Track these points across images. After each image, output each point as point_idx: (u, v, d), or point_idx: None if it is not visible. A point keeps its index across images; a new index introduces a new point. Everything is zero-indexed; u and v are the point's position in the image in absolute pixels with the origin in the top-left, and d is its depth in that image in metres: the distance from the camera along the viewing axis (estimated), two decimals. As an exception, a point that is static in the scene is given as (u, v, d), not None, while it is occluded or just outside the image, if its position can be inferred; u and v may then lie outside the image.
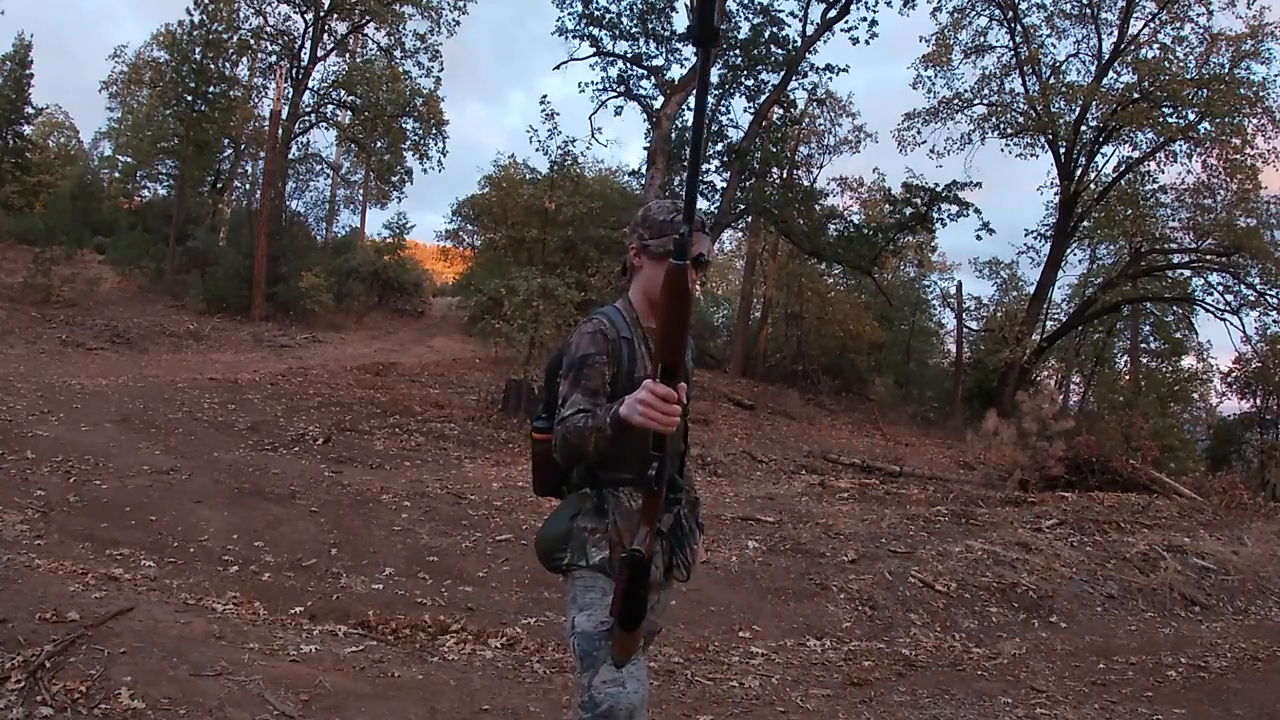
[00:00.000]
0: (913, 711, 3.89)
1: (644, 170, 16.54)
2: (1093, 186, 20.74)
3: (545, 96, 36.70)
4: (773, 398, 19.22)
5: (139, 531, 5.55)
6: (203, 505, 6.17)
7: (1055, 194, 21.17)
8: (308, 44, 20.45)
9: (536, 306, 12.27)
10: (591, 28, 16.52)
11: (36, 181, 23.98)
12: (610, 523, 1.90)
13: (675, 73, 16.74)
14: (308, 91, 21.17)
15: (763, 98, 17.22)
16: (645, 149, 17.50)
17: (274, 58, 21.31)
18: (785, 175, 20.34)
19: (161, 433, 8.38)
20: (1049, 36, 20.44)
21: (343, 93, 21.83)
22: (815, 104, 21.64)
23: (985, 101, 21.03)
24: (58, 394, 9.43)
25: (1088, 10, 19.93)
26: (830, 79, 20.12)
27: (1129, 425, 13.75)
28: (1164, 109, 18.34)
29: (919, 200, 16.75)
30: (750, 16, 16.87)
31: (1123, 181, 20.50)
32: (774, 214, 17.28)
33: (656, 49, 17.08)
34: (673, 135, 16.15)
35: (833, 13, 16.96)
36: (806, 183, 22.46)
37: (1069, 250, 22.01)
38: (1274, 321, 20.55)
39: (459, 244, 26.12)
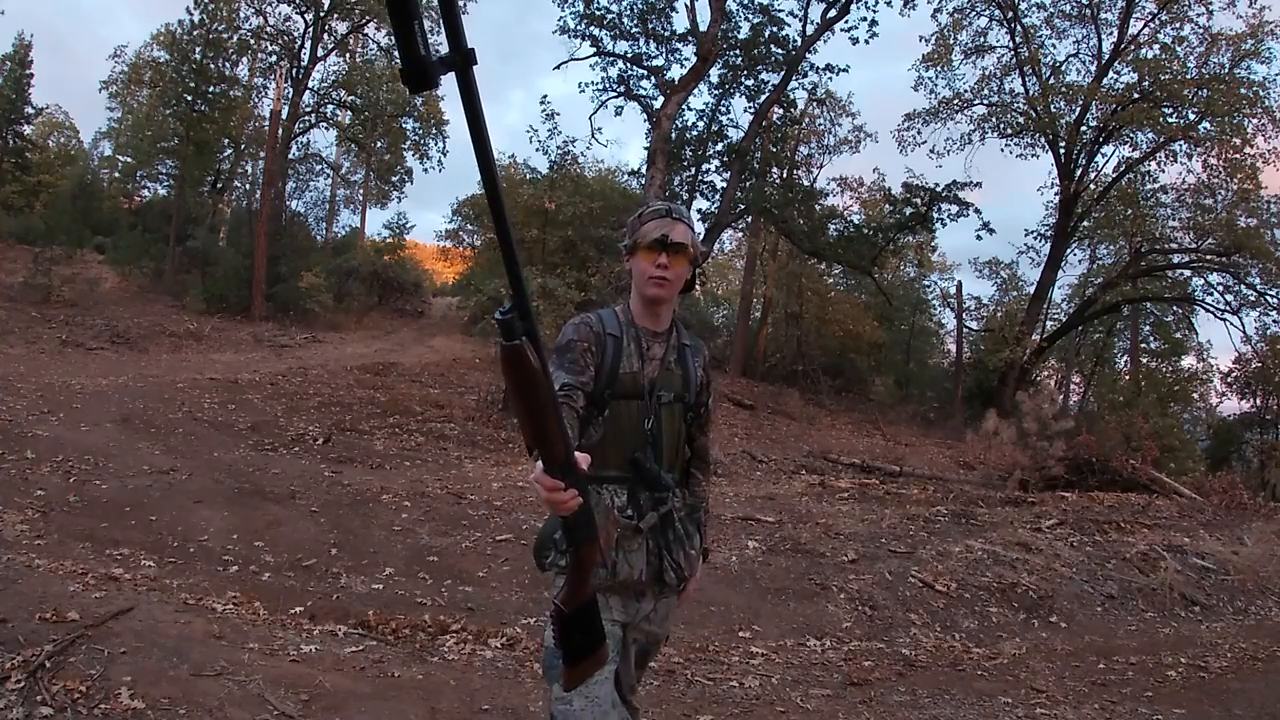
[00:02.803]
0: (913, 711, 3.89)
1: (644, 170, 16.51)
2: (1093, 186, 20.74)
3: (545, 97, 36.78)
4: (773, 398, 19.23)
5: (139, 531, 5.56)
6: (203, 505, 6.18)
7: (1055, 194, 21.19)
8: (308, 44, 20.47)
9: (537, 306, 12.23)
10: (592, 27, 16.49)
11: (36, 181, 23.99)
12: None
13: (675, 73, 16.72)
14: (308, 91, 21.19)
15: (763, 98, 17.18)
16: (645, 149, 17.48)
17: (274, 58, 21.35)
18: (785, 175, 20.29)
19: (161, 433, 8.38)
20: (1049, 37, 20.47)
21: (343, 93, 21.85)
22: (815, 104, 21.60)
23: (985, 102, 21.04)
24: (58, 394, 9.43)
25: (1088, 10, 19.93)
26: (830, 79, 20.08)
27: (1129, 425, 13.74)
28: (1164, 109, 18.33)
29: (919, 200, 16.72)
30: (750, 16, 16.86)
31: (1123, 181, 20.50)
32: (774, 214, 17.25)
33: (657, 49, 17.06)
34: (672, 135, 16.13)
35: (833, 13, 16.92)
36: (806, 183, 22.45)
37: (1069, 250, 22.02)
38: (1274, 321, 20.57)
39: (459, 244, 26.15)
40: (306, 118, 21.93)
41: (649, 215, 2.00)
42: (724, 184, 17.39)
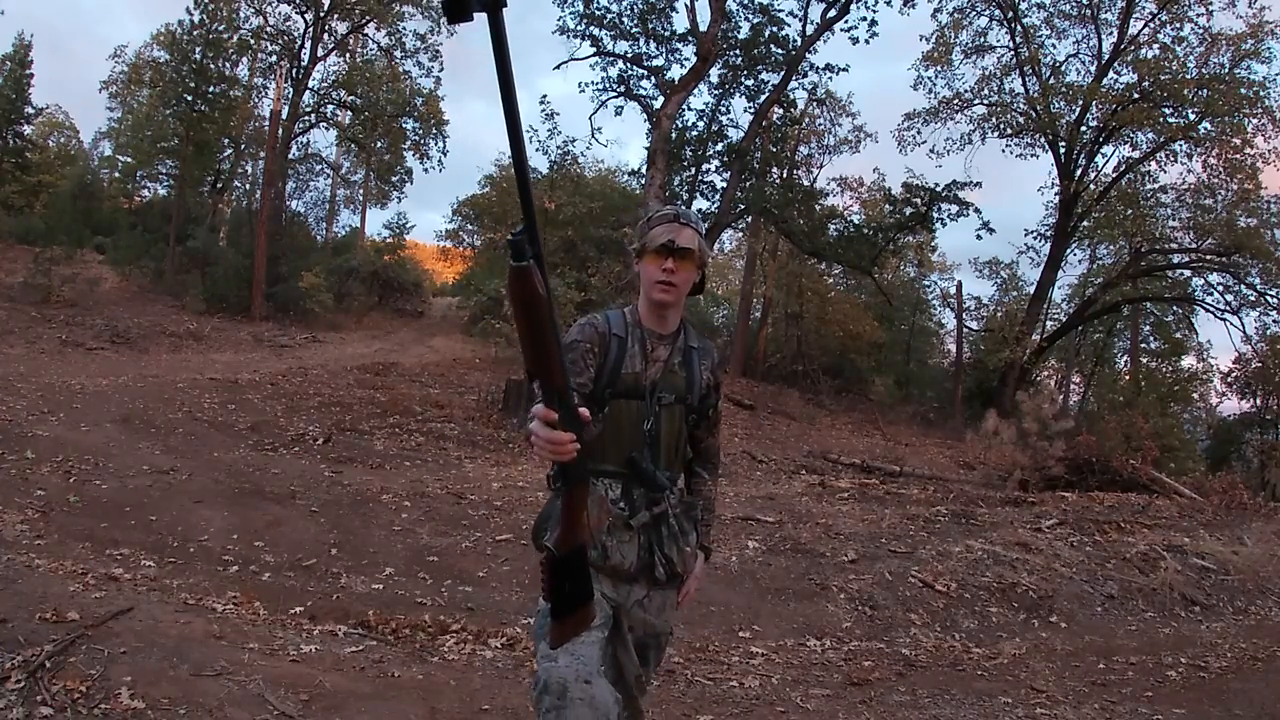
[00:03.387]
0: (913, 711, 3.89)
1: (644, 170, 16.53)
2: (1093, 186, 20.74)
3: (545, 96, 36.76)
4: (773, 398, 19.23)
5: (139, 531, 5.56)
6: (203, 505, 6.18)
7: (1055, 194, 21.20)
8: (308, 44, 20.47)
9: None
10: (592, 27, 16.51)
11: (36, 181, 23.96)
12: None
13: (675, 73, 16.74)
14: (308, 91, 21.18)
15: (763, 98, 17.20)
16: (645, 149, 17.50)
17: (274, 58, 21.34)
18: (785, 175, 20.31)
19: (161, 433, 8.38)
20: (1049, 37, 20.48)
21: (343, 93, 21.85)
22: (815, 104, 21.61)
23: (985, 101, 21.04)
24: (58, 394, 9.43)
25: (1088, 10, 19.93)
26: (830, 79, 20.11)
27: (1129, 425, 13.75)
28: (1164, 109, 18.34)
29: (919, 200, 16.72)
30: (750, 16, 16.87)
31: (1123, 181, 20.50)
32: (774, 214, 17.25)
33: (657, 49, 17.08)
34: (672, 135, 16.14)
35: (833, 12, 16.94)
36: (806, 183, 22.46)
37: (1069, 250, 22.02)
38: (1274, 321, 20.58)
39: (459, 244, 26.17)
40: (306, 118, 21.94)
41: (657, 220, 2.02)
42: (724, 184, 17.41)
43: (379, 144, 23.93)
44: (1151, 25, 19.25)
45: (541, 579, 1.58)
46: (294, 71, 20.67)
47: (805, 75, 17.56)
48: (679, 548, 2.03)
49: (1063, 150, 20.12)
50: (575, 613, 1.60)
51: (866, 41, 17.04)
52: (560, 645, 1.69)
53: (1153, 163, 20.11)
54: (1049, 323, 24.36)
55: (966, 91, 20.92)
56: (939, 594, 5.57)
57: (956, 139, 22.23)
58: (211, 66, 20.74)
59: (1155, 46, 18.99)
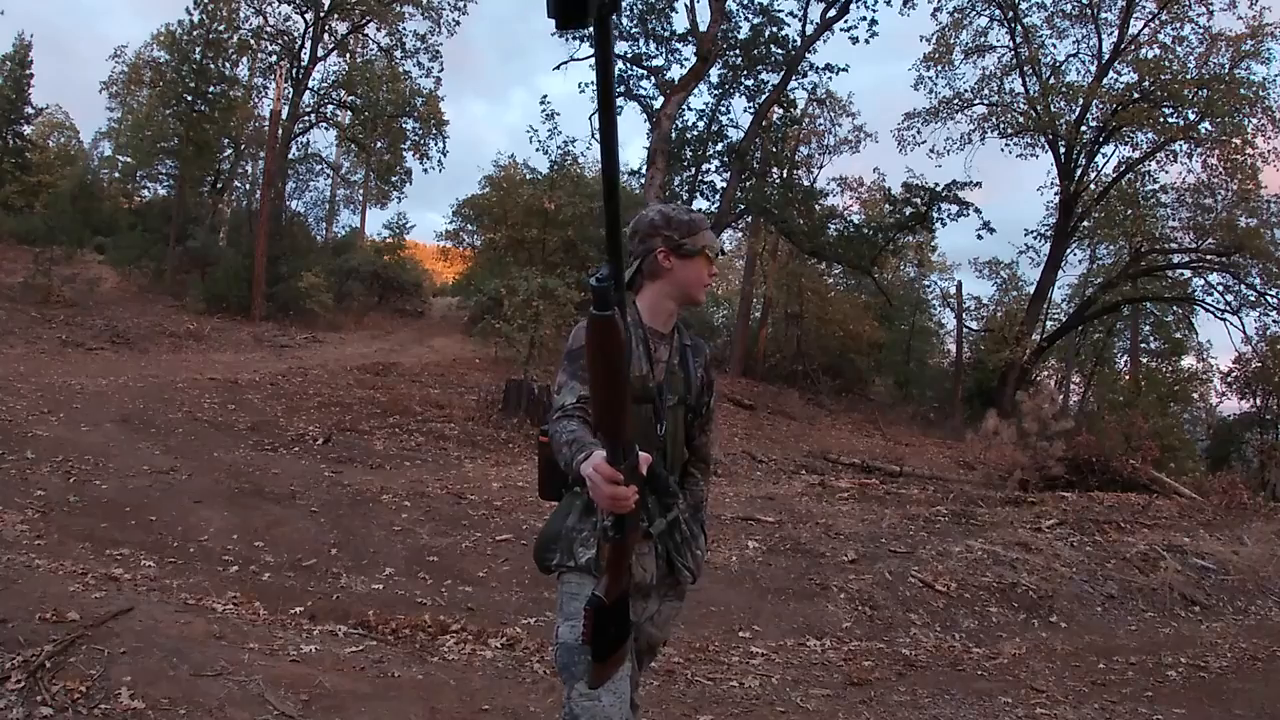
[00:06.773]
0: (913, 711, 3.89)
1: (644, 170, 16.54)
2: (1093, 186, 20.76)
3: (545, 97, 36.78)
4: (773, 398, 19.22)
5: (139, 531, 5.56)
6: (203, 505, 6.17)
7: (1055, 194, 21.21)
8: (308, 44, 20.49)
9: (536, 306, 12.28)
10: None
11: (36, 181, 23.95)
12: (597, 521, 1.87)
13: (675, 73, 16.76)
14: (308, 91, 21.20)
15: (763, 98, 17.23)
16: (645, 149, 17.52)
17: (274, 58, 21.34)
18: (785, 175, 20.32)
19: (161, 433, 8.38)
20: (1049, 36, 20.50)
21: (343, 93, 21.86)
22: (815, 104, 21.64)
23: (985, 101, 21.07)
24: (58, 394, 9.43)
25: (1088, 10, 19.94)
26: (830, 79, 20.13)
27: (1129, 425, 13.72)
28: (1164, 109, 18.35)
29: (919, 200, 16.76)
30: (750, 16, 16.90)
31: (1123, 181, 20.51)
32: (774, 214, 17.27)
33: (657, 49, 17.11)
34: (672, 135, 16.15)
35: (832, 12, 16.98)
36: (806, 183, 22.47)
37: (1069, 250, 22.04)
38: (1274, 321, 20.59)
39: (459, 244, 26.15)
40: (306, 118, 21.95)
41: (701, 223, 2.04)
42: (724, 184, 17.43)
43: (379, 144, 23.94)
44: (1152, 25, 19.28)
45: (584, 626, 1.56)
46: (294, 71, 20.68)
47: (805, 75, 17.61)
48: (692, 552, 2.02)
49: (1063, 150, 20.13)
50: (615, 653, 1.59)
51: (866, 41, 17.09)
52: (600, 685, 1.67)
53: (1153, 163, 20.16)
54: (1049, 323, 24.39)
55: (967, 91, 20.97)
56: (939, 594, 5.57)
57: (956, 139, 22.25)
58: (211, 66, 20.75)
59: (1155, 46, 19.02)
